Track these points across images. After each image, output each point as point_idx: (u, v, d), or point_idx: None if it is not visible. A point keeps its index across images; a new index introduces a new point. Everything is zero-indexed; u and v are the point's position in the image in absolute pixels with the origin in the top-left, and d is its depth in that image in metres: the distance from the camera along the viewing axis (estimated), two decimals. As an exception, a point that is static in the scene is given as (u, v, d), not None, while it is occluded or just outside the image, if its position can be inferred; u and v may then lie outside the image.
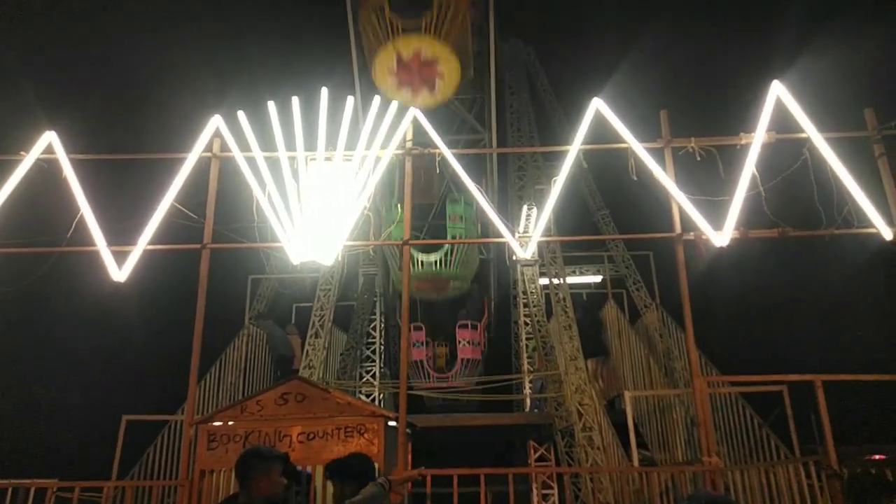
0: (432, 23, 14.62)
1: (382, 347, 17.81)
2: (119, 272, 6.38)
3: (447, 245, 16.01)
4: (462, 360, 16.94)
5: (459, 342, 17.13)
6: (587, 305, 15.80)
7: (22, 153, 6.74)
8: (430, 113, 16.83)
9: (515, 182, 16.34)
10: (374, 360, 17.32)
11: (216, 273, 6.97)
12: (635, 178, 6.66)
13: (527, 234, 14.52)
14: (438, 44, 14.62)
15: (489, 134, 17.55)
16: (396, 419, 6.08)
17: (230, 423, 6.04)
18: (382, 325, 18.13)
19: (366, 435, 5.74)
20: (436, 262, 16.12)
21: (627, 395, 9.12)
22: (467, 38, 15.60)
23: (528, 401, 15.98)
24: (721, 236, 6.38)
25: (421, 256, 16.06)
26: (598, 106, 6.90)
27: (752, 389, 8.79)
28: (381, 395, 16.42)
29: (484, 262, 19.12)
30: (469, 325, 17.62)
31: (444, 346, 17.62)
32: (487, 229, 15.09)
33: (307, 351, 13.16)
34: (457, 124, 18.63)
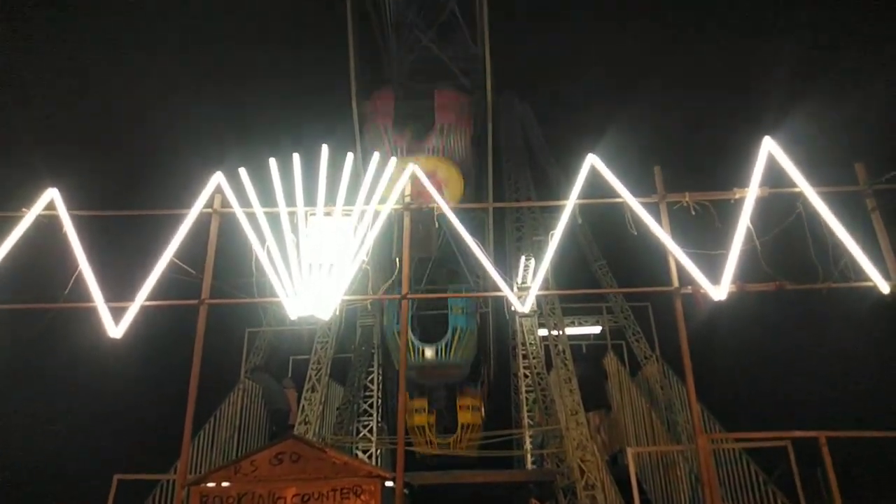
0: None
1: (380, 401, 17.54)
2: (115, 328, 6.34)
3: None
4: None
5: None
6: (588, 356, 15.70)
7: (24, 210, 6.80)
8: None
9: (513, 233, 16.45)
10: (371, 414, 17.02)
11: (213, 326, 6.93)
12: (635, 233, 6.71)
13: (525, 286, 14.54)
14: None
15: (486, 190, 17.80)
16: (394, 479, 5.94)
17: (223, 484, 5.89)
18: (380, 378, 17.90)
19: (362, 496, 5.61)
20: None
21: (630, 451, 8.94)
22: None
23: (529, 456, 15.65)
24: (719, 290, 6.39)
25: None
26: (592, 162, 7.02)
27: (756, 445, 8.64)
28: (379, 451, 16.08)
29: (482, 315, 19.05)
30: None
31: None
32: (486, 283, 15.15)
33: (303, 405, 12.94)
34: None
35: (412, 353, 15.79)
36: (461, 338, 16.17)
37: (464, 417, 16.79)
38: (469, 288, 16.71)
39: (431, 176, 15.13)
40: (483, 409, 17.51)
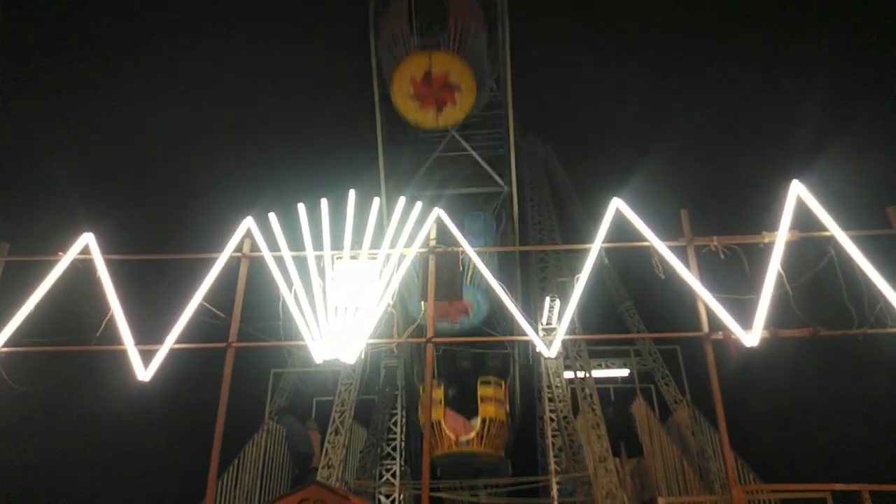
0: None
1: (403, 443, 17.30)
2: (144, 371, 6.42)
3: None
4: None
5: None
6: (616, 402, 15.34)
7: (60, 254, 7.01)
8: (455, 192, 17.40)
9: (538, 273, 16.39)
10: (394, 458, 16.77)
11: (239, 367, 6.98)
12: (662, 277, 6.65)
13: (550, 327, 14.38)
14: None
15: (511, 224, 17.74)
16: (418, 528, 5.82)
17: (247, 530, 5.83)
18: (403, 420, 17.70)
19: (386, 546, 5.49)
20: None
21: (662, 501, 8.65)
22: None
23: (556, 504, 15.20)
24: (751, 336, 6.26)
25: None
26: (617, 205, 7.02)
27: (794, 496, 8.30)
28: (402, 496, 15.78)
29: (506, 357, 18.80)
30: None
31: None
32: (512, 326, 14.91)
33: (326, 448, 12.83)
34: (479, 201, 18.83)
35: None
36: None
37: (486, 411, 15.29)
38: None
39: (444, 77, 15.11)
40: (507, 405, 16.25)
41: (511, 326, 18.60)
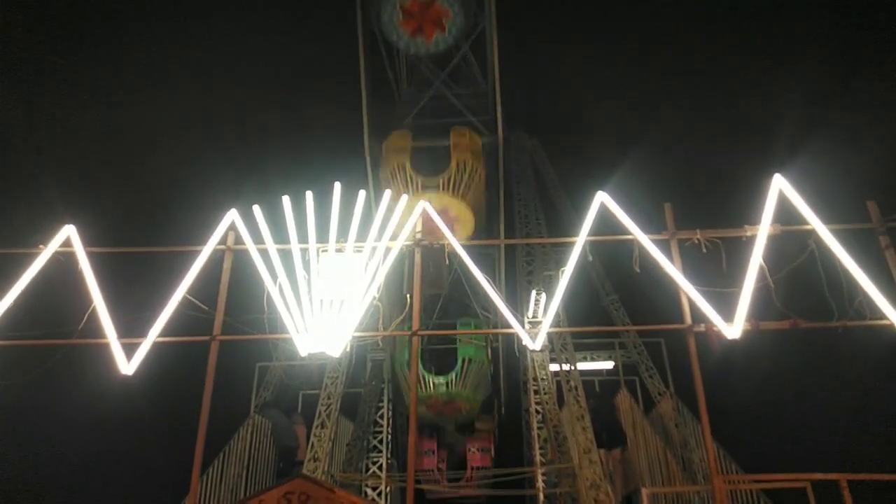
0: (450, 181, 15.59)
1: (390, 436, 17.33)
2: (128, 365, 6.37)
3: (458, 366, 15.96)
4: (472, 468, 16.49)
5: (470, 452, 16.75)
6: (601, 394, 15.49)
7: (41, 246, 6.91)
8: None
9: (524, 268, 16.43)
10: (380, 451, 16.80)
11: (223, 360, 6.94)
12: (638, 271, 6.71)
13: (536, 320, 14.45)
14: (454, 199, 15.46)
15: (497, 226, 17.88)
16: (404, 520, 5.84)
17: (231, 523, 5.82)
18: (390, 413, 17.73)
19: (372, 538, 5.51)
20: (447, 382, 16.00)
21: (645, 491, 8.75)
22: (481, 194, 16.56)
23: (542, 495, 15.33)
24: (732, 328, 6.33)
25: (432, 378, 16.02)
26: (602, 199, 7.05)
27: (774, 486, 8.44)
28: (388, 489, 15.82)
29: (493, 350, 18.92)
30: (479, 432, 17.35)
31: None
32: (497, 320, 15.13)
33: (312, 442, 12.81)
34: None
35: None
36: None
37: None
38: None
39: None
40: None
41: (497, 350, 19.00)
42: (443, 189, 15.65)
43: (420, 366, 16.12)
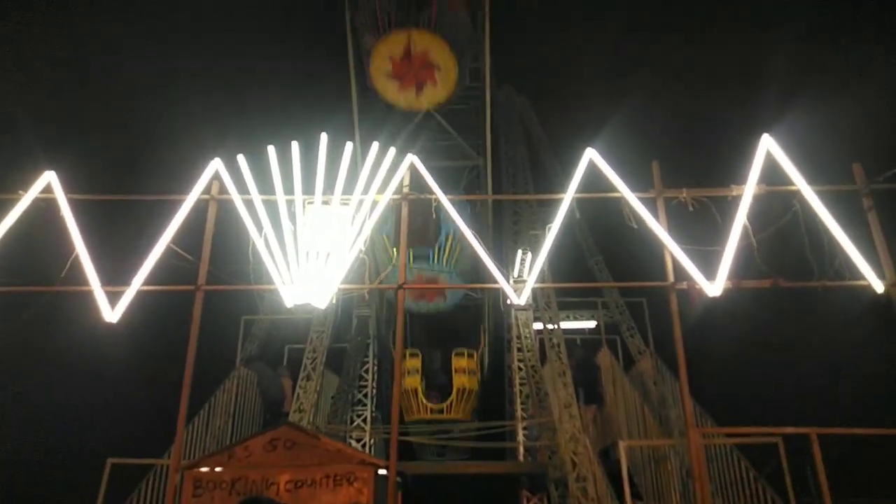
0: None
1: (375, 390, 17.58)
2: (112, 313, 6.34)
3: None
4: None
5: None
6: (587, 352, 15.77)
7: (21, 192, 6.79)
8: (429, 144, 17.38)
9: (510, 227, 16.45)
10: (365, 404, 17.07)
11: (209, 313, 6.93)
12: (635, 227, 6.73)
13: (521, 279, 14.55)
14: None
15: (485, 180, 17.77)
16: (387, 467, 5.97)
17: (217, 469, 5.92)
18: (375, 368, 17.95)
19: (355, 484, 5.64)
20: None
21: (622, 444, 9.00)
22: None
23: (522, 448, 15.72)
24: (714, 286, 6.42)
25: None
26: (591, 156, 7.02)
27: (747, 441, 8.71)
28: (372, 441, 16.13)
29: (479, 305, 19.08)
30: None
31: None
32: (483, 275, 15.12)
33: (298, 394, 12.97)
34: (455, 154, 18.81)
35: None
36: (454, 246, 16.00)
37: (459, 381, 16.36)
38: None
39: (423, 56, 14.89)
40: (479, 374, 17.17)
41: (483, 305, 19.02)
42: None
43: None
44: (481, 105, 17.22)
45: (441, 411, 16.13)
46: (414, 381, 16.49)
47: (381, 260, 15.70)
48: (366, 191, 7.00)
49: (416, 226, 7.15)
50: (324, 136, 7.09)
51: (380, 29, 14.96)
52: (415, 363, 16.79)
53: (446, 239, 15.97)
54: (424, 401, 16.31)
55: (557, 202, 7.10)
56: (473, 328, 19.02)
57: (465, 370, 16.61)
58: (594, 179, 7.10)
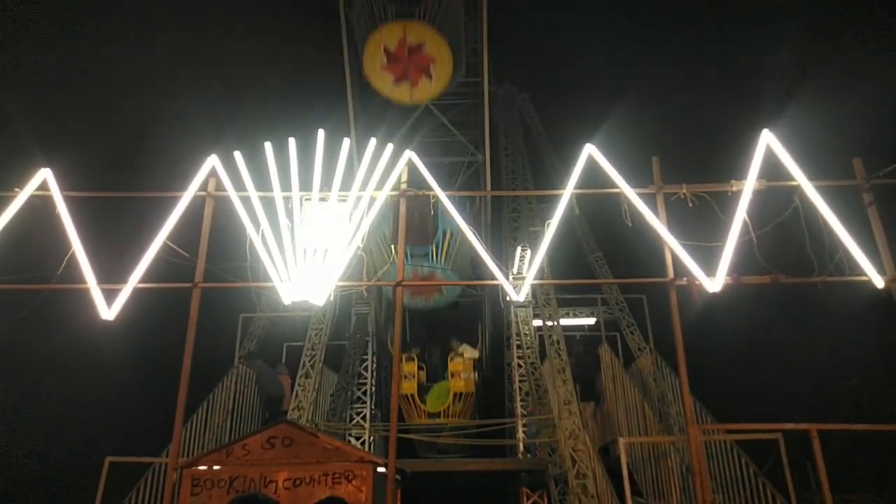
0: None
1: (374, 388, 17.55)
2: (108, 310, 6.30)
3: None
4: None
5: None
6: (587, 347, 15.75)
7: (16, 189, 6.74)
8: (428, 139, 17.33)
9: (510, 223, 16.42)
10: (364, 402, 17.05)
11: (206, 311, 6.89)
12: (630, 224, 6.70)
13: (520, 276, 14.52)
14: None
15: (484, 179, 17.71)
16: (386, 465, 5.94)
17: (215, 467, 5.88)
18: (374, 366, 17.91)
19: (354, 481, 5.60)
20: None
21: (622, 441, 8.97)
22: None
23: (521, 445, 15.71)
24: (714, 282, 6.38)
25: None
26: (590, 152, 6.98)
27: (747, 437, 8.69)
28: (372, 438, 16.11)
29: (478, 302, 19.05)
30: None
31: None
32: (481, 270, 15.06)
33: (297, 391, 12.94)
34: (453, 150, 18.74)
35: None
36: (451, 243, 15.92)
37: (456, 386, 16.15)
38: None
39: (419, 49, 14.78)
40: (476, 376, 17.02)
41: (482, 302, 18.97)
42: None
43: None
44: (480, 101, 17.15)
45: (438, 415, 16.10)
46: (411, 387, 16.30)
47: (377, 259, 15.65)
48: (363, 187, 6.96)
49: (413, 223, 7.10)
50: (321, 133, 7.05)
51: (375, 21, 14.85)
52: (411, 367, 16.59)
53: (444, 236, 15.88)
54: (422, 406, 16.31)
55: (557, 198, 7.08)
56: (472, 325, 18.95)
57: (461, 374, 16.51)
58: (594, 175, 7.07)
